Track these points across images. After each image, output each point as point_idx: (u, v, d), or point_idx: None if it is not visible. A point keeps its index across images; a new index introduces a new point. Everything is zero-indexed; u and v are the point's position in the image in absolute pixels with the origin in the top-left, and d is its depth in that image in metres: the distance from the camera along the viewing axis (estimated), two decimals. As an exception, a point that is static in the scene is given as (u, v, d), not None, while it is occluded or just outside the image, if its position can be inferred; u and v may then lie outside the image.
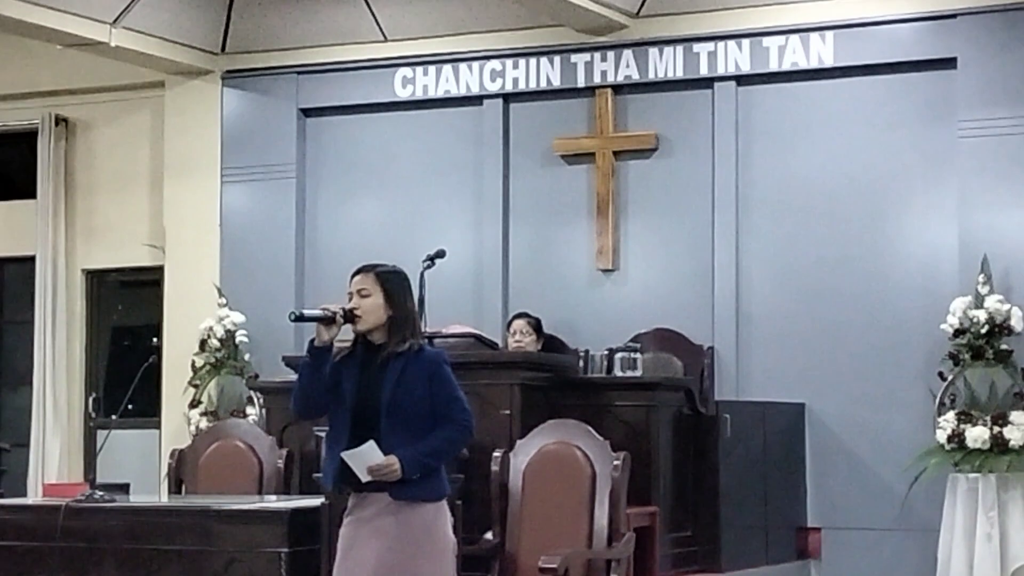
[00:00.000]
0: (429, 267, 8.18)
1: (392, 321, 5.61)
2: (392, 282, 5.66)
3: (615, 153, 10.17)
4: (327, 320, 5.55)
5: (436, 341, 8.23)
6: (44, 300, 11.59)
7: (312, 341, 5.58)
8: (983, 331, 9.00)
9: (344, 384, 5.61)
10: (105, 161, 11.79)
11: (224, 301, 10.89)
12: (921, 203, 9.55)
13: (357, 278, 5.67)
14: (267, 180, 10.99)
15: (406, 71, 10.74)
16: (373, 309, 5.60)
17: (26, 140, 11.93)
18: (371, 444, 5.49)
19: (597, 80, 10.23)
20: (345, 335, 5.67)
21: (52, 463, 11.39)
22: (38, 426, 11.48)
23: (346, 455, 5.51)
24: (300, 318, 5.60)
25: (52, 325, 11.57)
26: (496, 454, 7.44)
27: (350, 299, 5.63)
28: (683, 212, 10.05)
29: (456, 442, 5.71)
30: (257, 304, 10.77)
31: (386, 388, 5.55)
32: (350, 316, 5.58)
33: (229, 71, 11.21)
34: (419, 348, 5.65)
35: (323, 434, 6.19)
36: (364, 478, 5.52)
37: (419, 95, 10.70)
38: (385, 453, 5.50)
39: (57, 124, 11.79)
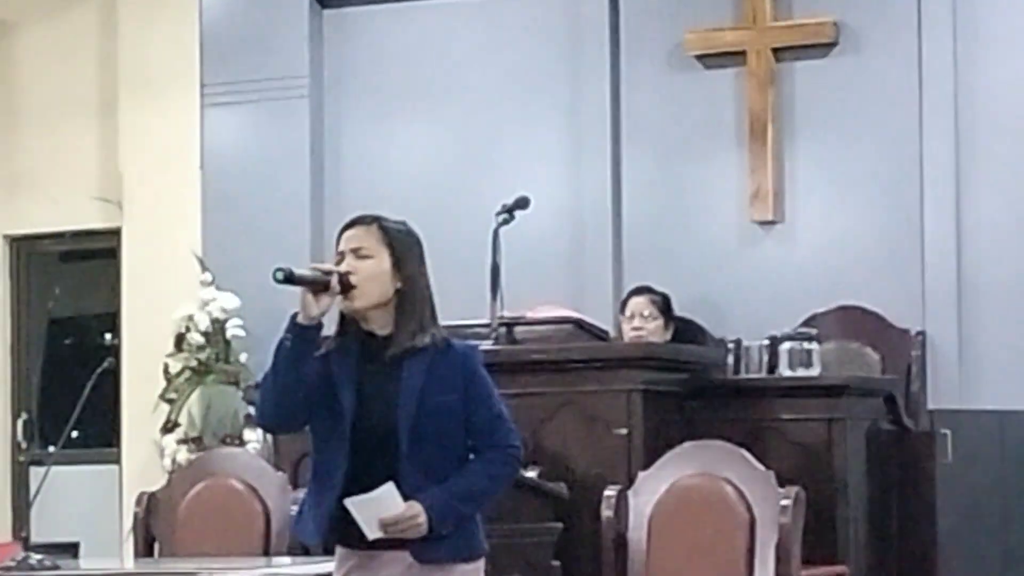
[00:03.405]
0: (506, 222, 8.24)
1: (401, 299, 5.55)
2: (403, 242, 5.58)
3: (775, 51, 10.18)
4: (319, 285, 5.48)
5: (518, 329, 8.28)
6: (-51, 281, 11.75)
7: (294, 316, 5.50)
8: None
9: (337, 392, 5.58)
10: (35, 78, 11.89)
11: (209, 278, 10.97)
12: None
13: (351, 232, 5.55)
14: (268, 101, 11.09)
15: (465, -62, 10.80)
16: (375, 277, 5.50)
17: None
18: (389, 488, 5.43)
19: (747, -54, 10.26)
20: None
21: (-34, 515, 11.54)
22: (-55, 463, 11.62)
23: (352, 503, 5.47)
24: (290, 278, 5.46)
25: (-39, 317, 11.72)
26: (608, 493, 7.48)
27: (339, 261, 5.56)
28: (876, 137, 10.06)
29: (502, 480, 5.67)
30: (255, 281, 10.73)
31: (405, 401, 5.50)
32: (344, 284, 5.50)
33: (211, -55, 11.31)
34: (446, 343, 5.61)
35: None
36: (372, 534, 5.48)
37: (484, -28, 10.77)
38: (404, 496, 5.47)
39: (-35, 25, 11.93)
